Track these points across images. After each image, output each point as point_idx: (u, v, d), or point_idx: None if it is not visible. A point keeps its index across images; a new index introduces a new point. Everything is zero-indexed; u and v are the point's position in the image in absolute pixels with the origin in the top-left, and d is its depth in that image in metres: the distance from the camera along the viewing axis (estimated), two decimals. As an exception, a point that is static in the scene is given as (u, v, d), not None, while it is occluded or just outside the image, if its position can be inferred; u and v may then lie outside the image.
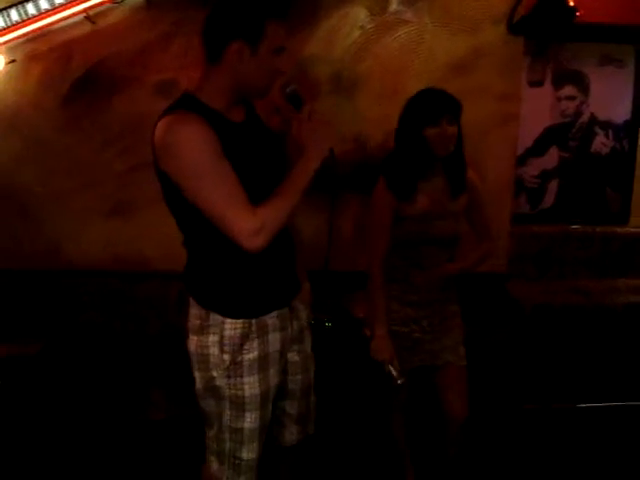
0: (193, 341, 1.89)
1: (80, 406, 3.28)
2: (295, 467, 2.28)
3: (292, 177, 1.76)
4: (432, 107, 2.43)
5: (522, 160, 4.15)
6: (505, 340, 3.54)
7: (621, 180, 4.34)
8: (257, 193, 1.73)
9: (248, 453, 1.91)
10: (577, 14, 3.34)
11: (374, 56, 3.48)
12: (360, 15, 3.45)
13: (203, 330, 1.86)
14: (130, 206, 3.52)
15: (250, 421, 1.88)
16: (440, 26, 3.49)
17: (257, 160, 1.82)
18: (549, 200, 4.29)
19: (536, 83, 4.13)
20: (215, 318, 1.84)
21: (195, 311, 1.90)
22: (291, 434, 2.13)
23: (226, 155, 1.70)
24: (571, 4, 3.32)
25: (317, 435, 2.25)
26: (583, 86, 4.19)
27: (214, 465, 1.97)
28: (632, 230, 4.30)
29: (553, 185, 4.28)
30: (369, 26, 3.46)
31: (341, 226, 3.48)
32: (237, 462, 1.92)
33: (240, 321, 1.84)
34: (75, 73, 3.39)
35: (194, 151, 1.65)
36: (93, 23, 3.30)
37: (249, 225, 1.66)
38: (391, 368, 2.38)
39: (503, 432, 3.31)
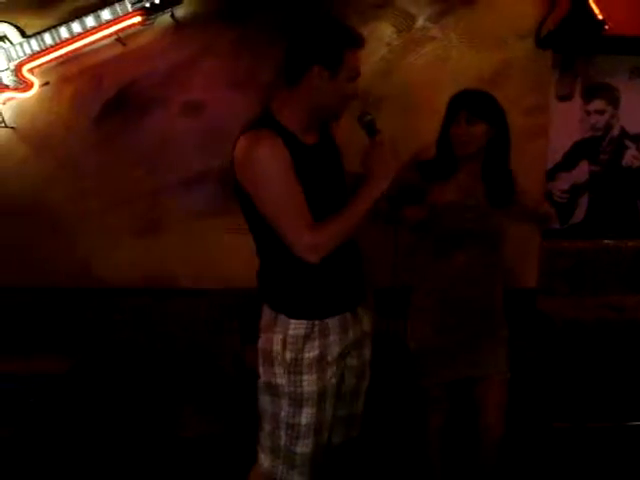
0: (262, 339, 2.04)
1: (110, 423, 3.30)
2: (338, 468, 2.32)
3: (356, 200, 1.90)
4: (451, 105, 2.44)
5: (552, 175, 4.11)
6: (536, 356, 3.49)
7: (653, 194, 4.28)
8: (321, 211, 1.89)
9: (303, 448, 2.00)
10: (605, 27, 3.31)
11: (401, 72, 3.49)
12: (387, 32, 3.47)
13: (270, 329, 2.01)
14: (160, 225, 3.56)
15: (307, 417, 1.99)
16: (467, 42, 3.49)
17: (323, 181, 1.96)
18: (579, 215, 4.24)
19: (565, 97, 4.10)
20: (282, 319, 1.98)
21: (266, 312, 2.05)
22: (336, 436, 2.18)
23: (297, 175, 1.85)
24: (599, 17, 3.30)
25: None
26: (613, 99, 4.14)
27: (266, 462, 2.07)
28: (665, 244, 4.23)
29: (583, 200, 4.23)
30: (396, 43, 3.48)
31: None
32: (292, 456, 2.02)
33: (304, 322, 1.97)
34: (106, 94, 3.45)
35: (269, 166, 1.81)
36: (124, 45, 3.36)
37: (306, 241, 1.84)
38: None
39: (533, 450, 3.25)
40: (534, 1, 3.48)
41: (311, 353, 1.97)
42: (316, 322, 1.98)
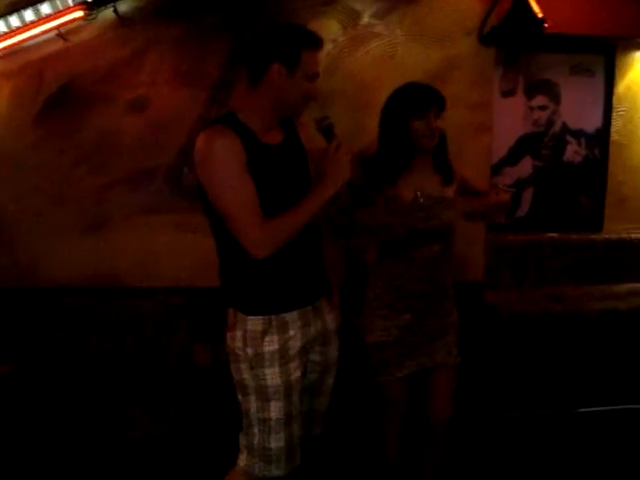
0: (227, 338, 2.08)
1: (55, 424, 3.24)
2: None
3: (307, 199, 1.96)
4: (421, 100, 2.40)
5: (496, 169, 4.19)
6: (483, 348, 3.55)
7: (594, 188, 4.40)
8: (277, 209, 1.93)
9: (276, 442, 2.04)
10: (546, 25, 3.38)
11: (347, 69, 3.50)
12: (333, 28, 3.48)
13: (233, 327, 2.06)
14: (105, 224, 3.50)
15: (275, 411, 2.03)
16: (412, 38, 3.52)
17: (283, 180, 2.00)
18: (524, 209, 4.34)
19: (508, 93, 4.18)
20: (241, 316, 2.03)
21: (229, 311, 2.09)
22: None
23: (251, 172, 1.90)
24: (540, 16, 3.37)
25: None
26: (554, 96, 4.25)
27: (243, 462, 2.10)
28: (606, 237, 4.35)
29: (527, 194, 4.33)
30: (341, 39, 3.49)
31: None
32: (267, 452, 2.05)
33: (260, 317, 2.02)
34: (47, 90, 3.38)
35: (220, 162, 1.87)
36: (65, 40, 3.30)
37: (254, 236, 1.89)
38: None
39: (485, 440, 3.30)
40: (477, -2, 3.53)
41: (271, 347, 2.01)
42: (273, 317, 2.02)
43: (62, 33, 3.28)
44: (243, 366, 2.03)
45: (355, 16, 3.48)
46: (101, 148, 3.44)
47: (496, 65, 3.78)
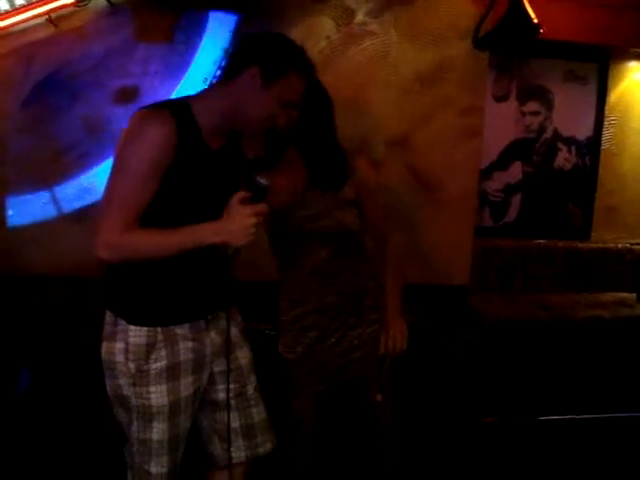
0: (103, 348, 1.84)
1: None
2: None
3: (186, 231, 1.74)
4: None
5: (486, 174, 4.18)
6: (465, 353, 3.55)
7: (583, 196, 4.40)
8: (187, 214, 1.75)
9: (157, 467, 1.85)
10: (541, 31, 3.37)
11: (339, 67, 3.48)
12: (326, 26, 3.46)
13: (111, 336, 1.82)
14: (90, 211, 3.46)
15: (158, 432, 1.83)
16: (406, 39, 3.51)
17: (207, 188, 1.80)
18: (512, 214, 4.34)
19: (501, 98, 4.18)
20: (122, 325, 1.80)
21: (107, 316, 1.85)
22: (239, 449, 2.02)
23: (179, 171, 1.71)
24: (535, 21, 3.36)
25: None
26: (547, 102, 4.25)
27: (129, 478, 1.91)
28: (593, 245, 4.36)
29: (516, 199, 4.32)
30: (335, 37, 3.47)
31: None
32: (146, 476, 1.86)
33: (145, 329, 1.80)
34: (36, 76, 3.34)
35: (138, 150, 1.67)
36: (55, 26, 3.26)
37: (107, 237, 1.68)
38: None
39: (462, 445, 3.29)
40: (473, 1, 3.52)
41: (158, 363, 1.80)
42: (159, 329, 1.81)
43: (52, 18, 3.24)
44: (123, 381, 1.80)
45: (349, 14, 3.46)
46: (89, 136, 3.40)
47: (489, 69, 3.77)
